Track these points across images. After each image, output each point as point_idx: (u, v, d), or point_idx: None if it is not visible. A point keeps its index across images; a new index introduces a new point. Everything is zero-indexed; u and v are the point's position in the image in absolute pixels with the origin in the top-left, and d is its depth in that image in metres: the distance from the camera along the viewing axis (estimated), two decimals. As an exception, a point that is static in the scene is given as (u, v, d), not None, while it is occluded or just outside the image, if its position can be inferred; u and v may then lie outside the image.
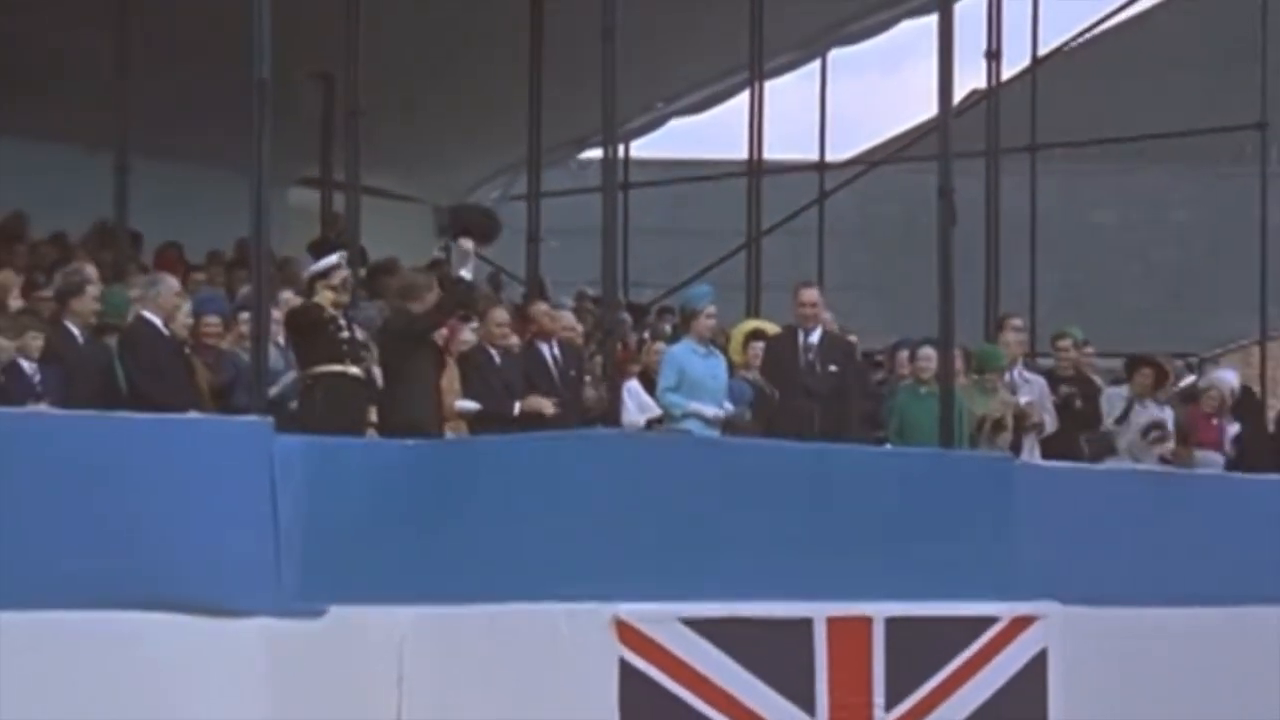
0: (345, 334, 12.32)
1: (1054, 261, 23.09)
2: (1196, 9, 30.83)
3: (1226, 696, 13.74)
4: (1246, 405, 17.97)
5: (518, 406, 13.36)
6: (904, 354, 15.50)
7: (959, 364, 14.42)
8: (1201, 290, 31.01)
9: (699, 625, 10.64)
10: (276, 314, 12.78)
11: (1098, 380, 16.41)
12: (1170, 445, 15.95)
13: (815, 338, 14.15)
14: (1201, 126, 24.07)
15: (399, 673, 10.73)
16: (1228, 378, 17.93)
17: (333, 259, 12.55)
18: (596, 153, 22.75)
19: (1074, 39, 23.87)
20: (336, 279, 12.40)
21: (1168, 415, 16.18)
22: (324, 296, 12.32)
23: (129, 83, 15.52)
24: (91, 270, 13.04)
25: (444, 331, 13.30)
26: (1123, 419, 15.87)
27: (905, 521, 11.70)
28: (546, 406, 13.33)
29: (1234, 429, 17.22)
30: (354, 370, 12.26)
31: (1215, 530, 13.98)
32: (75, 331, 12.46)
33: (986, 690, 11.79)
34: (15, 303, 13.33)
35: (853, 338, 15.40)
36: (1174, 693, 13.43)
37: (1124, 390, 16.17)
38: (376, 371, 12.69)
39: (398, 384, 12.48)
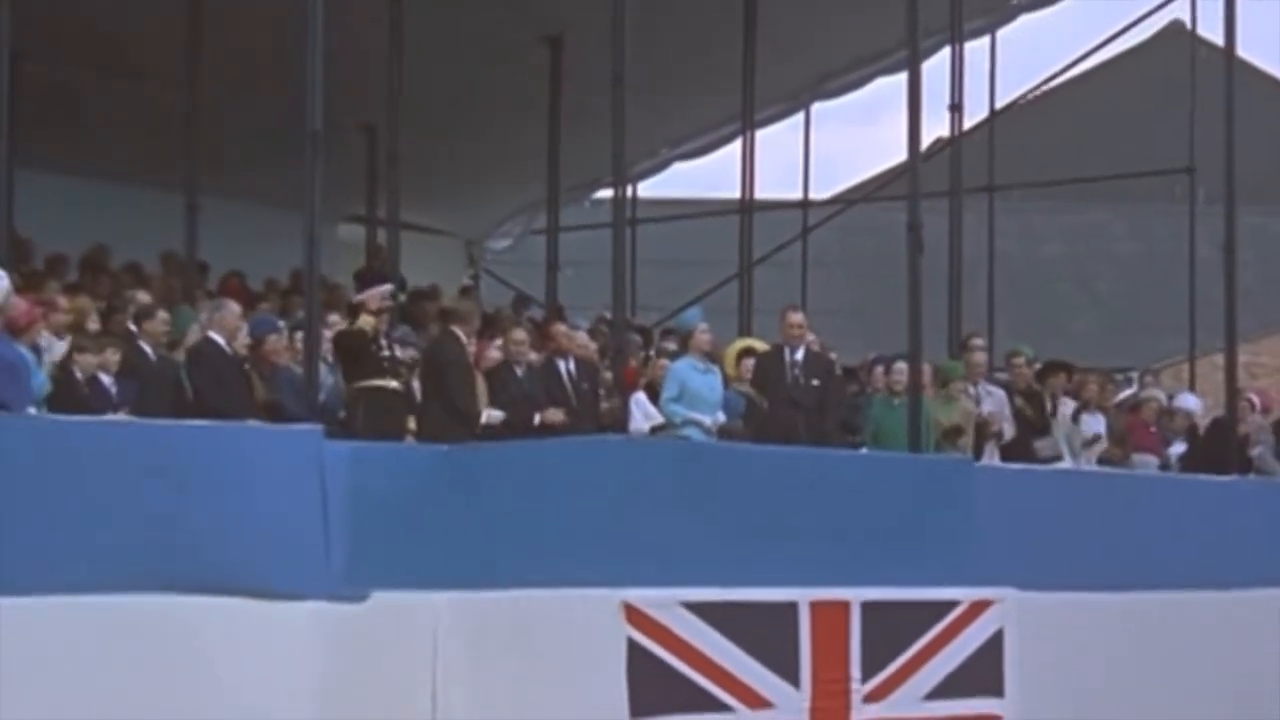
0: (386, 353, 12.33)
1: (1010, 288, 23.03)
2: (1135, 67, 30.81)
3: (1162, 670, 13.69)
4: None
5: (538, 417, 13.33)
6: (879, 369, 15.45)
7: (927, 378, 14.40)
8: (1140, 314, 30.97)
9: (698, 608, 10.60)
10: (327, 334, 12.76)
11: (1045, 393, 16.32)
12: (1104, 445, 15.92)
13: (800, 355, 14.09)
14: (1138, 170, 24.05)
15: (434, 650, 10.70)
16: (1189, 403, 17.82)
17: (387, 289, 12.55)
18: (607, 192, 22.66)
19: (1028, 93, 23.87)
20: (376, 304, 12.37)
21: (1100, 424, 16.11)
22: (365, 320, 12.31)
23: (198, 132, 15.56)
24: (145, 296, 13.09)
25: (473, 349, 13.29)
26: (1053, 412, 15.88)
27: (879, 517, 11.65)
28: (558, 417, 13.30)
29: (1179, 449, 17.07)
30: (393, 384, 12.26)
31: (1153, 524, 13.94)
32: (148, 349, 12.45)
33: (950, 665, 11.76)
34: (93, 326, 13.31)
35: (833, 355, 15.35)
36: (1115, 667, 13.40)
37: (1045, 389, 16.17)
38: (415, 385, 12.69)
39: (434, 401, 12.47)
